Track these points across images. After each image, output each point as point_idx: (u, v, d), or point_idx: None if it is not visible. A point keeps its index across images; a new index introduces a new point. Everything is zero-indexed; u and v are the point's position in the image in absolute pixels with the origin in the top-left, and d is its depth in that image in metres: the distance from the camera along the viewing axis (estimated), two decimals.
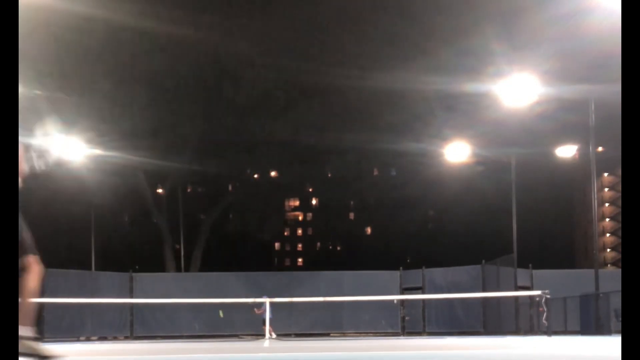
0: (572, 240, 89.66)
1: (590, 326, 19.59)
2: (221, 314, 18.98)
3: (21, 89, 18.52)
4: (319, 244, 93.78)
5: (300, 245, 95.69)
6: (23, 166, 4.86)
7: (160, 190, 35.50)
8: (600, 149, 48.41)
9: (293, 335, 23.64)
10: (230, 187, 39.95)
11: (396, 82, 27.43)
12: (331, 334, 25.85)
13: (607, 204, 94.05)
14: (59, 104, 22.16)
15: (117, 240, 40.65)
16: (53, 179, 25.24)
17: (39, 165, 5.04)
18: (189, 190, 43.78)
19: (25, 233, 4.45)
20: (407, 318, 25.30)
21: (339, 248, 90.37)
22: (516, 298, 23.37)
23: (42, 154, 5.11)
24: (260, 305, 20.09)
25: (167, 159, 28.89)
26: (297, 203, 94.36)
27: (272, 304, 19.73)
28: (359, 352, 7.53)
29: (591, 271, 21.76)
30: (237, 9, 28.70)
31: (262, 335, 19.87)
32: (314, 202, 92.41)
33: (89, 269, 27.60)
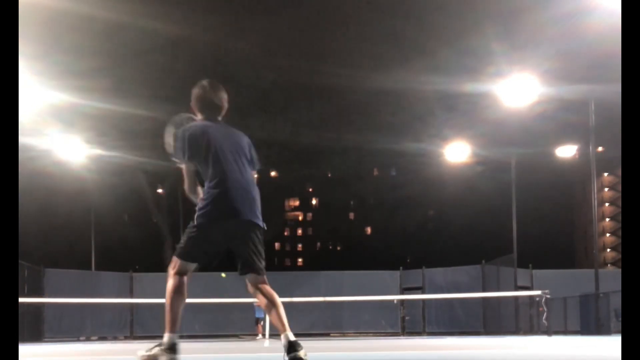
0: (572, 240, 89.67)
1: (590, 326, 19.59)
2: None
3: None
4: (319, 244, 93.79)
5: (300, 245, 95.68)
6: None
7: (160, 190, 35.49)
8: (600, 149, 48.32)
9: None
10: None
11: (396, 82, 27.42)
12: (331, 334, 25.84)
13: (607, 204, 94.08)
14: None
15: (117, 240, 40.63)
16: (53, 179, 25.23)
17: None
18: None
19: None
20: (407, 318, 25.31)
21: (339, 248, 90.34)
22: (516, 298, 23.39)
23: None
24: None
25: (167, 159, 28.80)
26: (297, 203, 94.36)
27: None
28: (359, 352, 7.53)
29: (591, 271, 21.75)
30: (238, 8, 28.70)
31: (262, 335, 19.87)
32: (314, 202, 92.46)
33: (89, 269, 27.58)
